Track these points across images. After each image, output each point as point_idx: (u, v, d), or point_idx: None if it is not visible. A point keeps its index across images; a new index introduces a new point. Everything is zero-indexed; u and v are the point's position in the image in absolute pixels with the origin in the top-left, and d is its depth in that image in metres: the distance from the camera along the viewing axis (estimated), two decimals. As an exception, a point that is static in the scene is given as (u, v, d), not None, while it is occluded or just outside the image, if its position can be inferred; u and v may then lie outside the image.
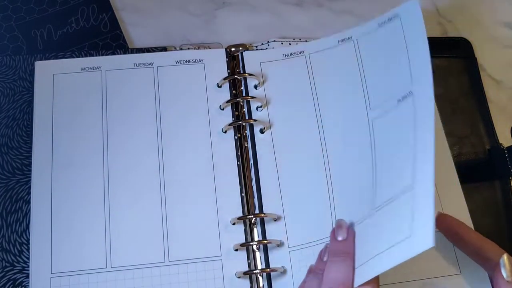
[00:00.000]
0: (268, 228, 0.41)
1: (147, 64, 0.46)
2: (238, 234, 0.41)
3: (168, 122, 0.44)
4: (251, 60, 0.46)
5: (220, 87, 0.46)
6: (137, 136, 0.43)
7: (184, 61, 0.46)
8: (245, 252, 0.41)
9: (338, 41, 0.45)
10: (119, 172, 0.42)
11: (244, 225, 0.41)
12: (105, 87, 0.45)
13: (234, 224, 0.41)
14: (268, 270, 0.40)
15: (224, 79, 0.45)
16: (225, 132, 0.44)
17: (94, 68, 0.45)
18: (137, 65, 0.46)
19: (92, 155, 0.42)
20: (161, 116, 0.44)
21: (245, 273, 0.39)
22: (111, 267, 0.39)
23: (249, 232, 0.42)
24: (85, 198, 0.41)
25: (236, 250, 0.40)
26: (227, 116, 0.45)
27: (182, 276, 0.39)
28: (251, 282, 0.40)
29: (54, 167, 0.42)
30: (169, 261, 0.40)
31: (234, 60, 0.48)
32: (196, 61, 0.46)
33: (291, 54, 0.46)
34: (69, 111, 0.44)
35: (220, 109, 0.45)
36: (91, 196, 0.41)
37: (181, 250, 0.40)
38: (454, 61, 0.50)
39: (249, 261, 0.40)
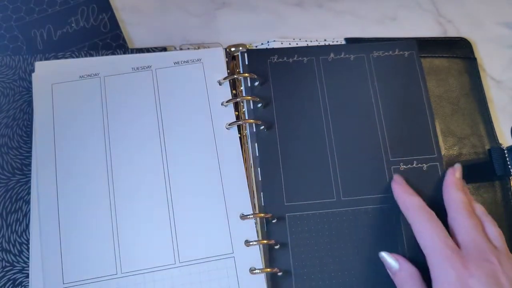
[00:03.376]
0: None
1: (145, 68, 0.46)
2: (248, 229, 0.41)
3: (170, 122, 0.44)
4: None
5: (220, 84, 0.46)
6: (140, 139, 0.43)
7: (182, 62, 0.46)
8: (256, 248, 0.41)
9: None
10: (123, 177, 0.42)
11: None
12: (104, 93, 0.45)
13: (243, 220, 0.41)
14: (267, 270, 0.40)
15: (224, 78, 0.45)
16: (229, 129, 0.44)
17: (92, 75, 0.45)
18: (135, 69, 0.46)
19: (95, 161, 0.42)
20: (162, 117, 0.44)
21: (252, 270, 0.40)
22: (121, 273, 0.39)
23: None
24: (91, 205, 0.41)
25: (248, 246, 0.40)
26: (230, 114, 0.45)
27: (194, 276, 0.39)
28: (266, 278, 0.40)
29: (59, 177, 0.42)
30: (180, 263, 0.40)
31: (234, 60, 0.48)
32: (195, 60, 0.46)
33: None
34: (69, 119, 0.44)
35: (223, 106, 0.45)
36: (97, 203, 0.41)
37: (192, 250, 0.40)
38: (454, 61, 0.50)
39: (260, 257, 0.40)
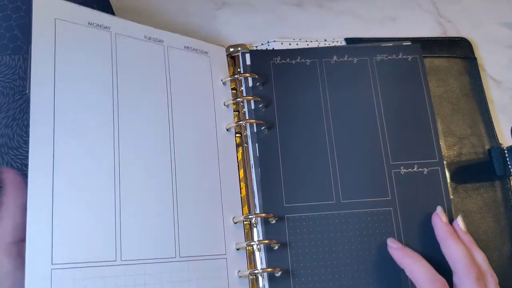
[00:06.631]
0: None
1: (157, 40, 0.43)
2: (240, 233, 0.41)
3: (179, 113, 0.42)
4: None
5: (224, 84, 0.45)
6: (149, 121, 0.40)
7: (192, 48, 0.45)
8: (246, 252, 0.41)
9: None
10: (130, 162, 0.38)
11: (244, 225, 0.42)
12: (115, 52, 0.40)
13: (236, 223, 0.41)
14: (269, 270, 0.40)
15: (228, 78, 0.45)
16: (228, 130, 0.44)
17: (103, 27, 0.40)
18: (148, 38, 0.43)
19: (100, 125, 0.38)
20: (172, 105, 0.42)
21: (245, 271, 0.39)
22: (121, 260, 0.35)
23: (249, 232, 0.42)
24: (93, 175, 0.36)
25: (238, 249, 0.40)
26: (230, 115, 0.45)
27: (192, 273, 0.38)
28: (251, 282, 0.40)
29: (56, 134, 0.35)
30: (180, 257, 0.38)
31: (234, 60, 0.48)
32: (203, 52, 0.46)
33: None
34: (73, 66, 0.38)
35: (225, 106, 0.45)
36: (100, 174, 0.36)
37: (191, 246, 0.39)
38: (454, 61, 0.51)
39: (250, 261, 0.40)
